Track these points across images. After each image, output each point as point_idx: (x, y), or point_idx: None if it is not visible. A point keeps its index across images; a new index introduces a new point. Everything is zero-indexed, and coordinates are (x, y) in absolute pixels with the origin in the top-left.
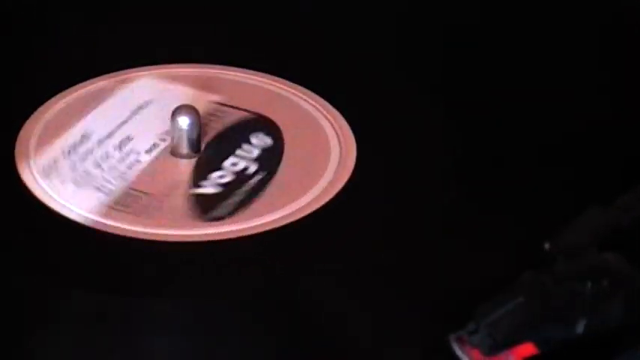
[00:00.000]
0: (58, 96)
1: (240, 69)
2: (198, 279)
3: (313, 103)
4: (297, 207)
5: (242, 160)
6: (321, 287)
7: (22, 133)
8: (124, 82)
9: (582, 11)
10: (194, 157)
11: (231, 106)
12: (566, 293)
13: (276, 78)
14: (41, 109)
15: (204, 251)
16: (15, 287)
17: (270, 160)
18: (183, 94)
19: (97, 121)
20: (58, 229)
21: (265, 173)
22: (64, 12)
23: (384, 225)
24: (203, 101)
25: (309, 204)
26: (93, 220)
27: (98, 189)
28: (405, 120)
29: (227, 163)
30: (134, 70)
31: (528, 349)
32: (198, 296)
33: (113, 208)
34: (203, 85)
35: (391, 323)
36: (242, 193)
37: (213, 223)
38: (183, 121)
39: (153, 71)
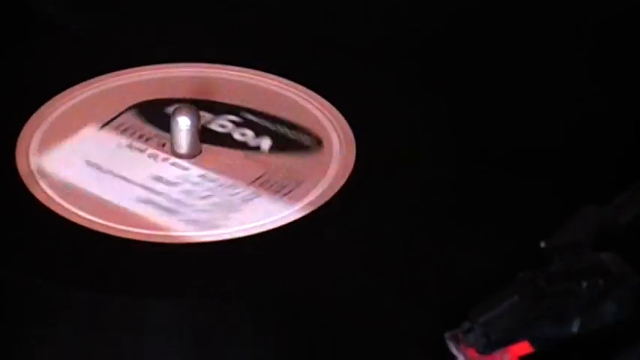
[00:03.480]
0: (59, 96)
1: (240, 68)
2: (198, 279)
3: (313, 103)
4: (297, 207)
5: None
6: (320, 287)
7: (23, 133)
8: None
9: (582, 11)
10: (193, 157)
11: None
12: (561, 292)
13: (277, 78)
14: (42, 108)
15: (205, 251)
16: (15, 287)
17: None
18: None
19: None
20: (58, 229)
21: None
22: (64, 11)
23: (383, 225)
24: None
25: (309, 204)
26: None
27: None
28: (405, 120)
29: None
30: (134, 69)
31: (524, 347)
32: (197, 296)
33: None
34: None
35: (388, 321)
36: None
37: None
38: (183, 121)
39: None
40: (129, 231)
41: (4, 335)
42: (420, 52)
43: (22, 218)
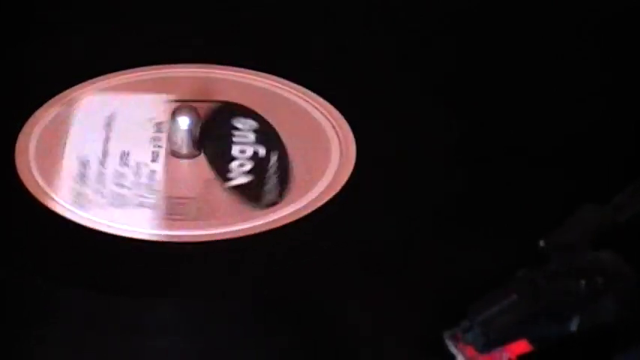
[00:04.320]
0: (59, 96)
1: (240, 69)
2: (199, 279)
3: (313, 103)
4: (298, 207)
5: (246, 145)
6: (320, 287)
7: (22, 133)
8: (70, 104)
9: (582, 11)
10: (195, 156)
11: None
12: (559, 291)
13: (277, 78)
14: (42, 109)
15: (204, 251)
16: (15, 287)
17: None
18: (138, 100)
19: (82, 145)
20: (58, 230)
21: (277, 151)
22: (64, 12)
23: (382, 225)
24: (160, 102)
25: (309, 204)
26: (160, 234)
27: (141, 205)
28: (405, 120)
29: (235, 151)
30: (134, 69)
31: (522, 346)
32: (198, 297)
33: (170, 219)
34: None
35: (387, 321)
36: (272, 174)
37: (268, 210)
38: (184, 122)
39: (90, 86)
40: (129, 231)
41: (4, 335)
42: (420, 52)
43: (21, 218)
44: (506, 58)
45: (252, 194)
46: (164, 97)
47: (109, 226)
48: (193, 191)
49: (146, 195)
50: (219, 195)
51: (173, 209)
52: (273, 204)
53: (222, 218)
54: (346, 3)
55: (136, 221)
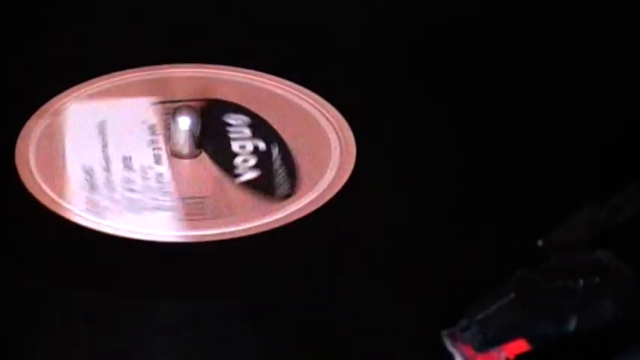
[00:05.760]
0: (59, 96)
1: (239, 69)
2: (198, 279)
3: (313, 103)
4: (298, 207)
5: (245, 141)
6: (319, 287)
7: (23, 133)
8: (56, 114)
9: (582, 11)
10: (196, 156)
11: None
12: (558, 291)
13: (276, 78)
14: (42, 108)
15: (204, 252)
16: (15, 287)
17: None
18: (125, 104)
19: (82, 153)
20: (57, 229)
21: (277, 144)
22: (64, 11)
23: (382, 225)
24: (148, 104)
25: (309, 204)
26: (183, 235)
27: (158, 209)
28: (405, 119)
29: (236, 147)
30: (134, 69)
31: (520, 345)
32: (197, 296)
33: (188, 220)
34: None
35: (385, 320)
36: (279, 167)
37: (284, 202)
38: (184, 122)
39: (74, 94)
40: (129, 231)
41: (4, 335)
42: (421, 52)
43: (22, 218)
44: (506, 58)
45: (265, 188)
46: (151, 99)
47: (116, 229)
48: (206, 190)
49: (160, 198)
50: (232, 192)
51: (190, 210)
52: (287, 196)
53: (240, 215)
54: (346, 3)
55: (157, 225)
